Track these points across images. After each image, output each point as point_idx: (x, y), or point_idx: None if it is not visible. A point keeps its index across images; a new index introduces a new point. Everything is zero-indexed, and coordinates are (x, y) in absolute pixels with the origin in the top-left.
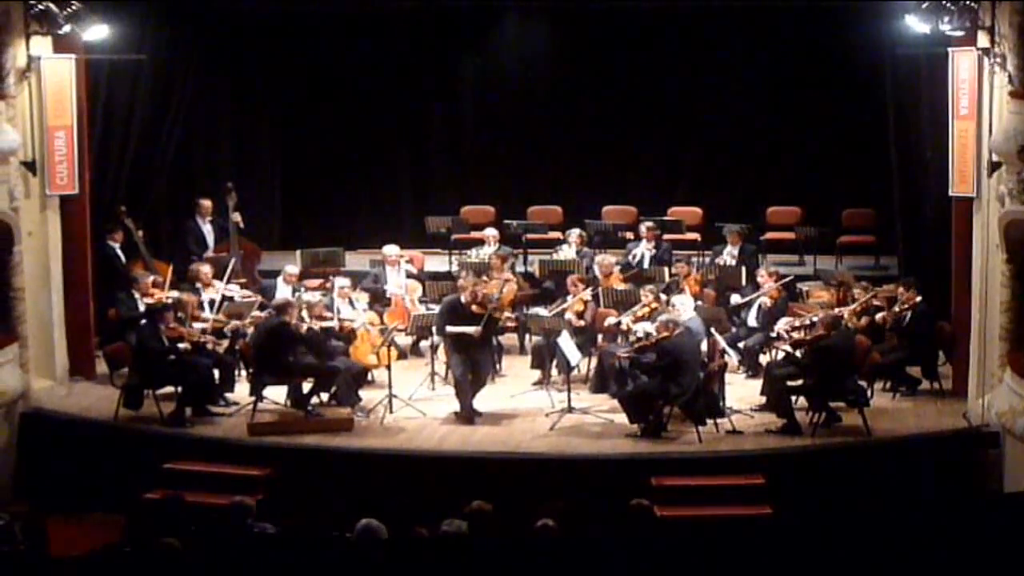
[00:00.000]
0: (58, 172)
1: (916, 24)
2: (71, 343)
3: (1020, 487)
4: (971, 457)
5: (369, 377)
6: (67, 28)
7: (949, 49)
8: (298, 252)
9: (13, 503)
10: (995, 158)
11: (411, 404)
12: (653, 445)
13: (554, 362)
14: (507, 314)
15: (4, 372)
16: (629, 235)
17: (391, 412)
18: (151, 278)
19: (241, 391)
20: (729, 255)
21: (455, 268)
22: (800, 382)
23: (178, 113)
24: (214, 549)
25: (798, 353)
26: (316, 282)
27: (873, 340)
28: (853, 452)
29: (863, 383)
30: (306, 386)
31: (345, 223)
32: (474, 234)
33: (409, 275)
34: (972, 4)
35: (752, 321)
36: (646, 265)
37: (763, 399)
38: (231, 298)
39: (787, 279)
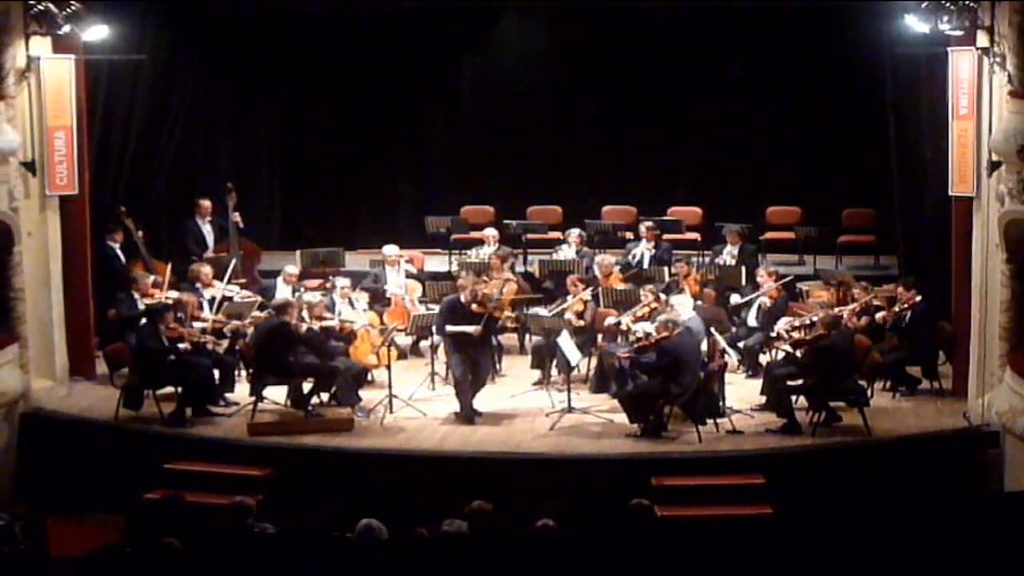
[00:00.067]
0: (58, 172)
1: (915, 24)
2: (71, 343)
3: (1020, 487)
4: (971, 457)
5: (369, 377)
6: (67, 28)
7: (948, 49)
8: (298, 252)
9: (13, 503)
10: (995, 158)
11: (411, 404)
12: (653, 445)
13: (554, 362)
14: (507, 314)
15: (4, 372)
16: (629, 235)
17: (391, 412)
18: (151, 278)
19: (241, 391)
20: (729, 255)
21: (455, 268)
22: (800, 382)
23: (178, 113)
24: (214, 549)
25: (798, 353)
26: (316, 282)
27: (873, 340)
28: (853, 452)
29: (863, 383)
30: (306, 386)
31: (345, 223)
32: (474, 234)
33: (409, 275)
34: (971, 4)
35: (752, 321)
36: (646, 265)
37: (763, 399)
38: (231, 298)
39: (787, 279)
